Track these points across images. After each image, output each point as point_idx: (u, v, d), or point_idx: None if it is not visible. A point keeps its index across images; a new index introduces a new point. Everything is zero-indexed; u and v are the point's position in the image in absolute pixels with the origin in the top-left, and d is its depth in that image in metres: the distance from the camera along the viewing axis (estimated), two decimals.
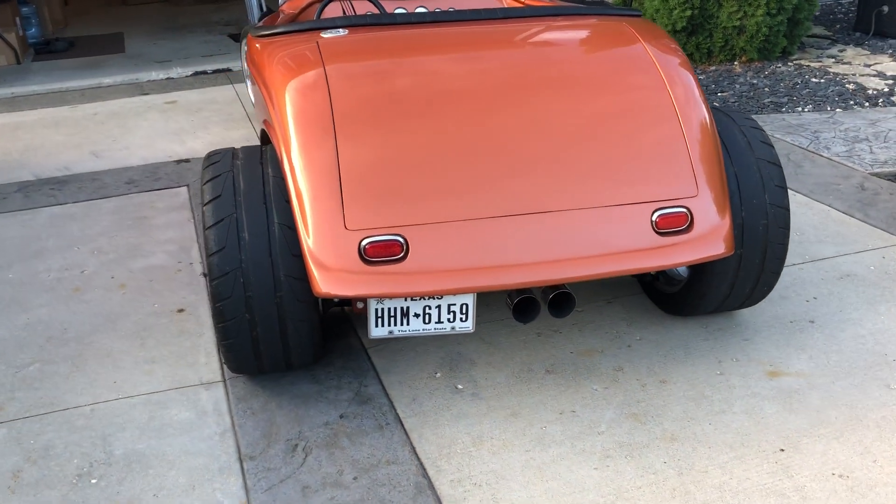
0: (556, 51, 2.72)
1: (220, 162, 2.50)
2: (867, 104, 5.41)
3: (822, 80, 5.91)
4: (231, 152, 2.57)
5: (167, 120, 5.67)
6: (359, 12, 4.16)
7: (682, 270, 2.89)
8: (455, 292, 2.25)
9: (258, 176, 2.45)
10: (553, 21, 2.91)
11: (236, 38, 8.31)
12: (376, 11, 4.11)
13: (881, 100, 5.48)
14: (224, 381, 2.74)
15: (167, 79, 6.88)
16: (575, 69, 2.62)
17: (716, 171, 2.47)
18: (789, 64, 6.41)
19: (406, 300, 2.35)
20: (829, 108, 5.35)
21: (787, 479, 2.20)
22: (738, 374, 2.66)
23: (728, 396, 2.55)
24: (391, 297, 2.23)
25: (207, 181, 2.45)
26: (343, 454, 2.37)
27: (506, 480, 2.24)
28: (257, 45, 3.11)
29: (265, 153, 2.57)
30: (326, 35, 2.80)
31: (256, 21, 4.56)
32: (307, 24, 2.93)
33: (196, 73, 6.95)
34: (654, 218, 2.37)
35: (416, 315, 2.38)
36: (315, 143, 2.37)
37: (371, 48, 2.71)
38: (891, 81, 5.86)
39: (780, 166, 2.66)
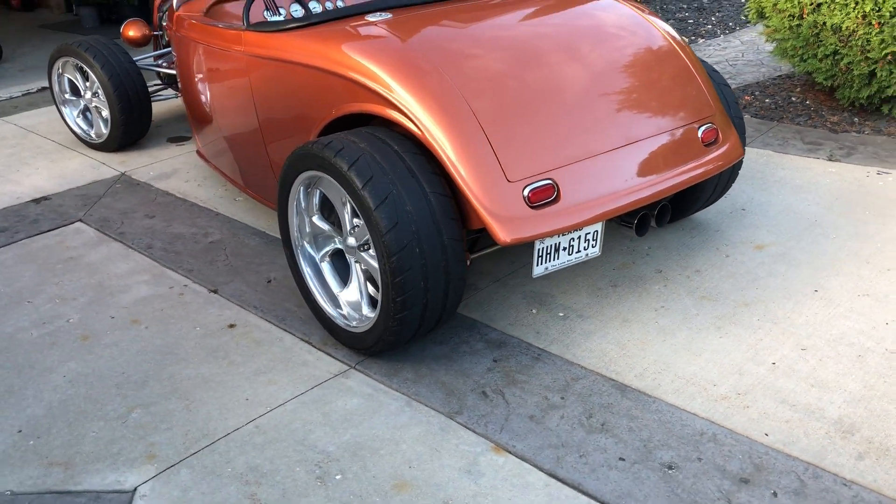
0: (569, 13, 3.14)
1: (345, 148, 2.53)
2: None
3: None
4: (346, 139, 2.59)
5: None
6: (285, 4, 4.10)
7: None
8: (599, 219, 2.62)
9: (391, 154, 2.54)
10: None
11: None
12: None
13: None
14: (353, 367, 2.76)
15: None
16: (594, 29, 3.08)
17: (714, 91, 3.12)
18: None
19: (558, 236, 2.65)
20: None
21: (833, 305, 2.96)
22: (739, 253, 3.39)
23: (747, 269, 3.25)
24: (558, 233, 2.53)
25: (350, 167, 2.47)
26: (531, 385, 2.61)
27: (670, 363, 2.69)
28: (269, 38, 3.05)
29: (377, 134, 2.63)
30: (373, 18, 2.91)
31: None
32: (342, 11, 2.98)
33: None
34: (699, 135, 2.96)
35: (564, 248, 2.70)
36: (456, 114, 2.54)
37: (430, 23, 2.89)
38: None
39: (728, 85, 3.42)
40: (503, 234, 2.46)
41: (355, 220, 2.71)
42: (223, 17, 3.96)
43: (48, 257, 3.64)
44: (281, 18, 3.80)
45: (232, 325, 3.04)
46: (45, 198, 4.33)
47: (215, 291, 3.29)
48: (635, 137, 2.80)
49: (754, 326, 2.87)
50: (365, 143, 2.57)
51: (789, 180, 4.07)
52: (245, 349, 2.88)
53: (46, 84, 6.49)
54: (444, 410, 2.52)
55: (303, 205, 2.88)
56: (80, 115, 5.04)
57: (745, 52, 6.73)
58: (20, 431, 2.51)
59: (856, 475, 2.19)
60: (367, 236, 2.65)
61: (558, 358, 2.75)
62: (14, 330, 3.07)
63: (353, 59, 2.74)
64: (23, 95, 6.33)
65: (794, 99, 5.33)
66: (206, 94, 3.72)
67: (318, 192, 2.83)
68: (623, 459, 2.29)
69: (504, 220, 2.47)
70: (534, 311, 3.04)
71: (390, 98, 2.62)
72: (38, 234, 3.89)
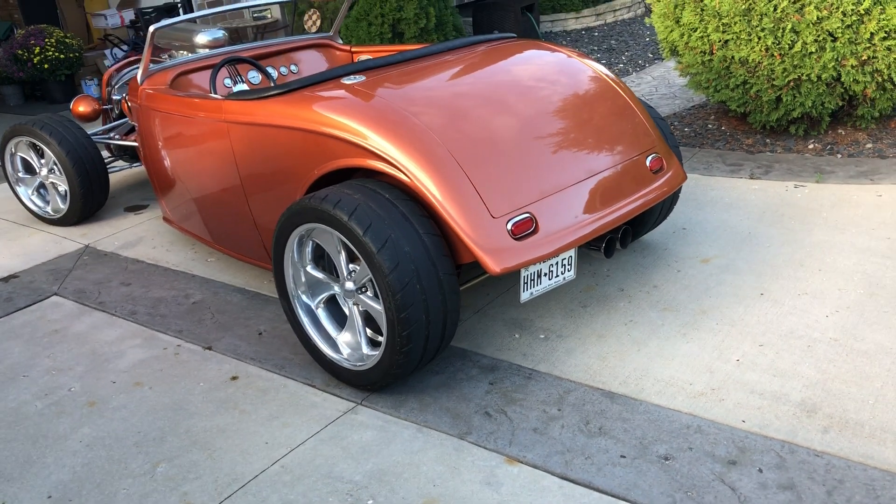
0: (517, 63, 3.47)
1: (342, 200, 2.76)
2: None
3: None
4: (341, 192, 2.81)
5: None
6: (242, 73, 4.31)
7: None
8: (574, 245, 2.91)
9: (384, 202, 2.78)
10: (493, 45, 3.65)
11: None
12: (250, 70, 4.33)
13: None
14: (360, 403, 2.95)
15: None
16: (541, 75, 3.42)
17: (653, 124, 3.49)
18: None
19: (540, 264, 2.93)
20: None
21: (779, 305, 3.32)
22: (689, 267, 3.74)
23: (700, 282, 3.60)
24: (540, 260, 2.81)
25: (350, 217, 2.70)
26: (528, 402, 2.86)
27: (648, 369, 2.99)
28: (251, 105, 3.25)
29: (367, 185, 2.87)
30: (348, 81, 3.16)
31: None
32: (318, 77, 3.22)
33: None
34: (647, 164, 3.31)
35: (545, 274, 2.97)
36: (439, 161, 2.81)
37: (402, 82, 3.16)
38: None
39: (662, 119, 3.81)
40: (494, 265, 2.72)
41: (351, 265, 2.92)
42: (187, 88, 4.15)
43: (33, 332, 3.70)
44: (244, 87, 4.03)
45: (234, 378, 3.19)
46: (13, 276, 4.37)
47: (210, 348, 3.42)
48: (595, 170, 3.13)
49: (714, 330, 3.20)
50: (359, 194, 2.81)
51: (719, 199, 4.49)
52: (253, 398, 3.04)
53: None
54: (453, 433, 2.74)
55: (296, 257, 3.07)
56: (35, 193, 5.09)
57: (657, 87, 7.28)
58: (50, 497, 2.60)
59: (824, 446, 2.51)
60: (365, 279, 2.86)
61: (548, 375, 3.01)
62: (17, 404, 3.14)
63: (335, 119, 2.98)
64: None
65: (710, 126, 5.83)
66: (178, 161, 3.89)
67: (311, 243, 3.04)
68: (624, 457, 2.55)
69: (493, 252, 2.74)
70: (517, 335, 3.30)
71: (375, 150, 2.87)
72: (15, 311, 3.94)
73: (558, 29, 10.07)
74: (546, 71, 3.44)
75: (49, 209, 5.05)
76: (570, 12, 10.01)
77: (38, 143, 4.76)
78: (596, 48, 9.09)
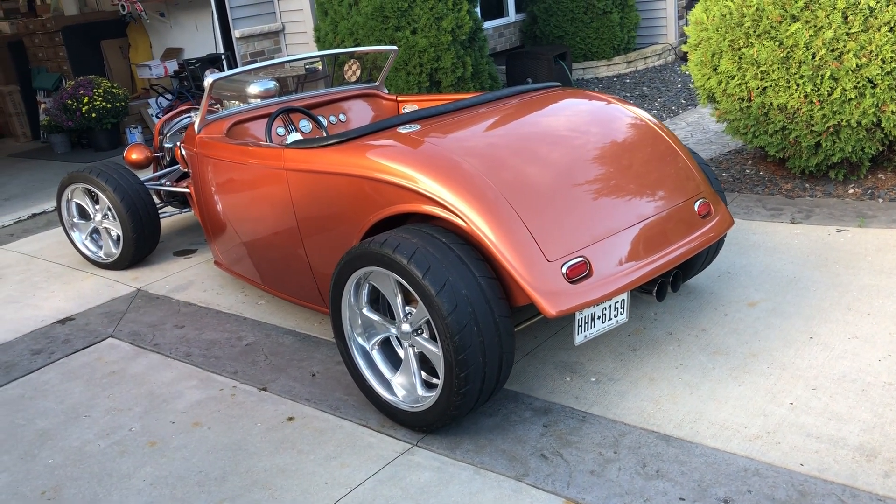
0: (564, 111, 3.57)
1: (401, 244, 2.84)
2: None
3: None
4: (399, 237, 2.89)
5: None
6: (294, 121, 4.46)
7: None
8: (627, 289, 2.96)
9: (441, 245, 2.86)
10: (540, 94, 3.76)
11: None
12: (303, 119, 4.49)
13: None
14: (415, 445, 2.99)
15: None
16: (589, 122, 3.51)
17: (700, 170, 3.55)
18: None
19: (594, 307, 2.98)
20: None
21: (829, 349, 3.33)
22: (736, 311, 3.76)
23: (748, 326, 3.63)
24: (595, 303, 2.86)
25: (409, 260, 2.78)
26: (583, 444, 2.88)
27: (702, 412, 3.00)
28: (309, 154, 3.37)
29: (423, 230, 2.95)
30: (404, 130, 3.27)
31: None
32: (374, 126, 3.34)
33: None
34: (696, 209, 3.37)
35: (598, 317, 3.02)
36: (494, 206, 2.89)
37: (455, 129, 3.26)
38: None
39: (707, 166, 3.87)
40: (550, 308, 2.78)
41: (407, 307, 2.99)
42: (241, 136, 4.29)
43: (92, 373, 3.80)
44: (297, 135, 4.17)
45: (290, 419, 3.24)
46: (69, 318, 4.49)
47: (265, 389, 3.49)
48: (646, 215, 3.19)
49: (766, 373, 3.22)
50: (417, 238, 2.89)
51: (762, 243, 4.52)
52: (310, 438, 3.09)
53: (37, 211, 6.67)
54: (511, 474, 2.77)
55: (353, 300, 3.15)
56: (89, 238, 5.25)
57: (692, 133, 7.35)
58: None
59: (886, 491, 2.50)
60: (422, 321, 2.93)
61: (601, 418, 3.04)
62: (81, 443, 3.22)
63: (387, 165, 3.09)
64: (14, 223, 6.49)
65: (748, 171, 5.88)
66: (233, 206, 4.01)
67: (367, 286, 3.12)
68: (683, 499, 2.56)
69: (549, 295, 2.80)
70: (567, 378, 3.34)
71: (428, 195, 2.96)
72: (74, 353, 4.05)
73: (590, 76, 10.23)
74: (593, 118, 3.53)
75: (102, 253, 5.20)
76: (601, 60, 10.16)
77: (93, 189, 4.92)
78: (628, 94, 9.21)
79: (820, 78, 4.80)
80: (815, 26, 4.77)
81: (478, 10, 8.08)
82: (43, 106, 9.45)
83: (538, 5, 10.10)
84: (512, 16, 10.68)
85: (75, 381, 3.74)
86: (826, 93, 4.82)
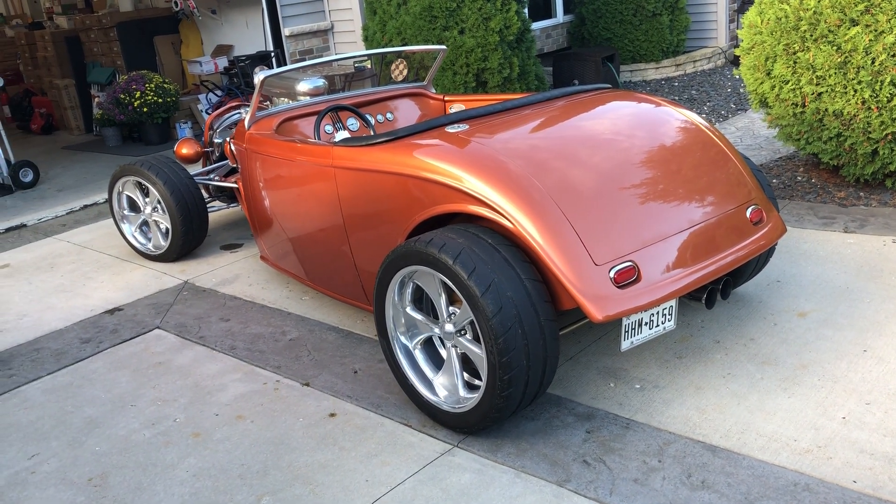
0: (614, 112, 3.52)
1: (447, 244, 2.83)
2: None
3: None
4: (445, 236, 2.88)
5: (29, 282, 5.12)
6: (342, 119, 4.49)
7: None
8: (676, 295, 2.91)
9: (487, 246, 2.84)
10: (589, 96, 3.72)
11: None
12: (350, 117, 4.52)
13: None
14: (456, 446, 2.98)
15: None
16: (639, 125, 3.45)
17: (753, 176, 3.48)
18: None
19: (641, 312, 2.93)
20: None
21: (884, 363, 3.23)
22: (785, 321, 3.68)
23: (798, 336, 3.54)
24: (643, 309, 2.82)
25: (454, 260, 2.77)
26: (627, 451, 2.84)
27: (750, 423, 2.93)
28: (358, 152, 3.38)
29: (469, 230, 2.93)
30: (452, 129, 3.26)
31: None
32: (422, 126, 3.34)
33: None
34: (748, 215, 3.29)
35: (646, 323, 2.97)
36: (542, 208, 2.86)
37: (503, 129, 3.24)
38: None
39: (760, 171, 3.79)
40: (597, 313, 2.74)
41: (451, 307, 2.98)
42: (290, 133, 4.33)
43: (138, 363, 3.86)
44: (345, 133, 4.19)
45: (332, 415, 3.26)
46: (117, 308, 4.57)
47: (307, 384, 3.51)
48: (696, 220, 3.13)
49: (817, 386, 3.13)
50: (462, 239, 2.87)
51: (813, 252, 4.41)
52: (351, 435, 3.10)
53: (88, 202, 6.81)
54: (552, 479, 2.74)
55: (397, 298, 3.15)
56: (138, 230, 5.34)
57: (742, 138, 7.22)
58: None
59: None
60: (465, 322, 2.91)
61: (646, 426, 2.99)
62: (127, 432, 3.27)
63: (433, 164, 3.08)
64: (67, 214, 6.64)
65: (799, 178, 5.75)
66: (280, 202, 4.04)
67: (411, 285, 3.11)
68: None
69: (596, 300, 2.76)
70: (612, 384, 3.29)
71: (474, 194, 2.94)
72: (121, 343, 4.12)
73: (638, 79, 10.11)
74: (644, 120, 3.47)
75: (150, 245, 5.29)
76: (649, 62, 10.03)
77: (144, 182, 5.01)
78: (677, 98, 9.08)
79: (879, 84, 4.67)
80: (876, 31, 4.64)
81: (526, 10, 8.03)
82: (96, 100, 9.65)
83: (587, 7, 10.01)
84: (560, 17, 10.61)
85: (122, 371, 3.80)
86: (885, 99, 4.68)
